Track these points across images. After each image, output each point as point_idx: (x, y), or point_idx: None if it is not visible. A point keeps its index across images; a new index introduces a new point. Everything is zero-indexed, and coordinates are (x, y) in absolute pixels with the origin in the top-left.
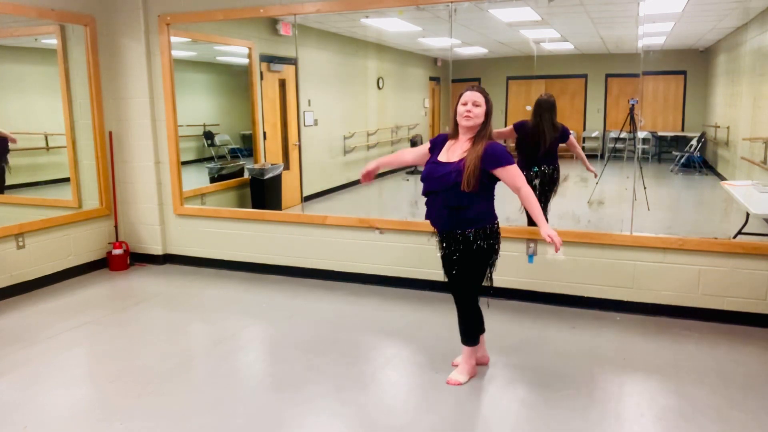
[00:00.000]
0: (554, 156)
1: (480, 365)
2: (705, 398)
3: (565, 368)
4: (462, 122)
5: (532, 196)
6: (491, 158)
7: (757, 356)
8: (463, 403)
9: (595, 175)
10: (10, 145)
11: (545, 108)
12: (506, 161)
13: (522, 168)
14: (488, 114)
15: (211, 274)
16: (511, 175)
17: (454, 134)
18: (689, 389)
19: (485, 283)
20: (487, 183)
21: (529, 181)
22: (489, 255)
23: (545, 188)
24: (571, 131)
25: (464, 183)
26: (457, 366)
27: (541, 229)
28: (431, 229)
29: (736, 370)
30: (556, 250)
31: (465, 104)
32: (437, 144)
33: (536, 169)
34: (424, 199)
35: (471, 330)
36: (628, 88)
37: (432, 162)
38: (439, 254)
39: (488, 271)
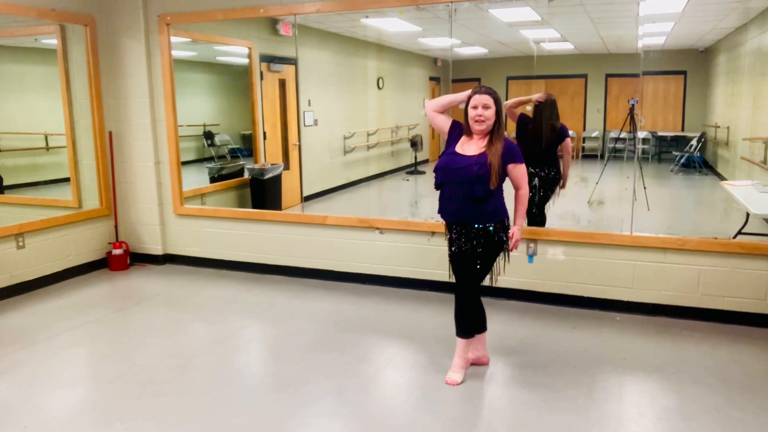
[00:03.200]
0: (553, 158)
1: (480, 365)
2: (705, 398)
3: (565, 368)
4: (475, 127)
5: (526, 199)
6: (509, 153)
7: (757, 356)
8: (463, 403)
9: (561, 186)
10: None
11: (544, 107)
12: (519, 159)
13: None
14: (499, 113)
15: (211, 274)
16: (520, 173)
17: (468, 132)
18: (689, 389)
19: (487, 282)
20: (503, 177)
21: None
22: (501, 248)
23: (544, 191)
24: (570, 133)
25: (492, 181)
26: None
27: (514, 227)
28: (431, 228)
29: (736, 370)
30: (510, 249)
31: (475, 108)
32: (454, 133)
33: (532, 171)
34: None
35: (475, 322)
36: (628, 88)
37: (449, 153)
38: (453, 250)
39: (503, 264)
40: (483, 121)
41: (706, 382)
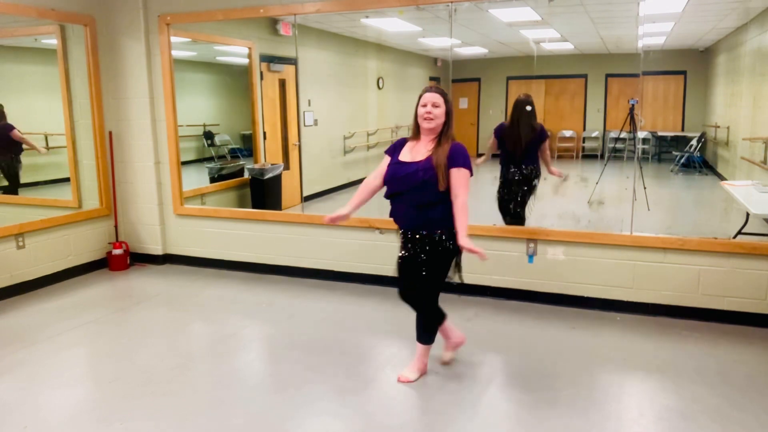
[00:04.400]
0: (533, 157)
1: (460, 346)
2: (705, 398)
3: (565, 368)
4: (424, 124)
5: (466, 208)
6: (454, 156)
7: (757, 356)
8: (463, 403)
9: (561, 176)
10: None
11: (522, 108)
12: (464, 164)
13: (502, 165)
14: (448, 114)
15: (211, 274)
16: (461, 179)
17: (416, 135)
18: (689, 389)
19: (456, 280)
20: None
21: (510, 179)
22: (453, 254)
23: (523, 188)
24: (549, 134)
25: (441, 184)
26: (447, 363)
27: (460, 240)
28: None
29: (737, 370)
30: (482, 257)
31: (425, 105)
32: (396, 147)
33: (514, 168)
34: None
35: (432, 328)
36: (628, 88)
37: (394, 163)
38: (401, 254)
39: (458, 268)
40: (432, 119)
41: (706, 382)
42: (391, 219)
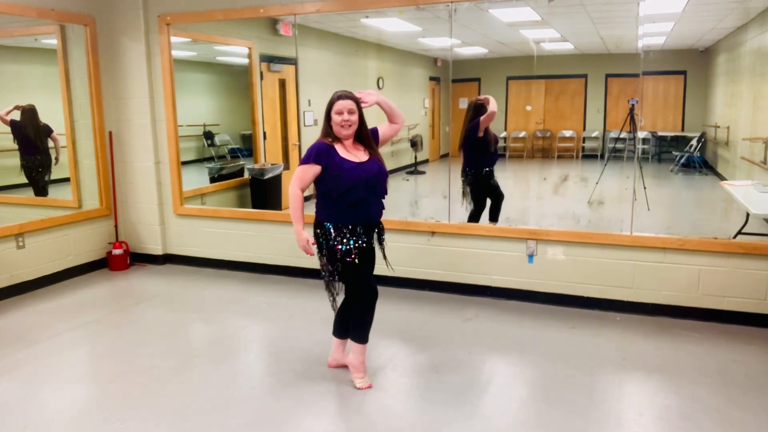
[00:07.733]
0: (465, 155)
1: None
2: (705, 398)
3: (565, 368)
4: (342, 132)
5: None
6: (376, 137)
7: (757, 356)
8: (463, 403)
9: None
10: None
11: (469, 109)
12: (375, 129)
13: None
14: (362, 116)
15: (211, 274)
16: (381, 128)
17: (336, 139)
18: (689, 389)
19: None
20: None
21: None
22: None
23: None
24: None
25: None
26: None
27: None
28: (431, 228)
29: (737, 370)
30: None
31: (341, 113)
32: (324, 154)
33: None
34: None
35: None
36: (628, 88)
37: (351, 166)
38: (359, 244)
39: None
40: (350, 126)
41: (706, 381)
42: (331, 222)
